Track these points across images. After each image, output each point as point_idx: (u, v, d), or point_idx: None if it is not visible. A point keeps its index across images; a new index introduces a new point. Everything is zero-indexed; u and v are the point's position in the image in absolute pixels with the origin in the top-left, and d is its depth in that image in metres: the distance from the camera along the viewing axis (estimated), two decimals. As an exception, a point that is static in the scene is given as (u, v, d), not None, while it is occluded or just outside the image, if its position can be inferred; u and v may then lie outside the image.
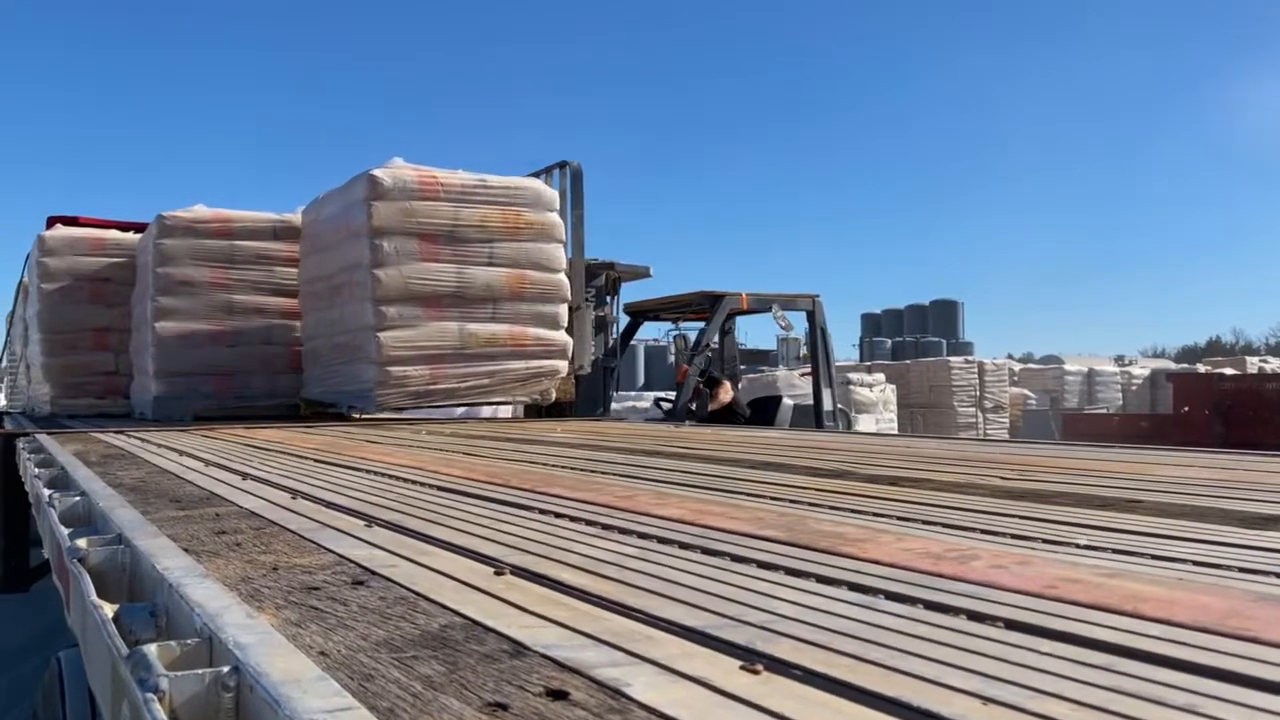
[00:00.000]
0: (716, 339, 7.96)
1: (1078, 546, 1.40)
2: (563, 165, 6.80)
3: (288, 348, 6.73)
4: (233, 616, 0.98)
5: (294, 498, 2.03)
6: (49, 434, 4.56)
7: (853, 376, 16.81)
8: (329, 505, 1.90)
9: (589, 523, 1.64)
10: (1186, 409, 14.12)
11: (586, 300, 7.05)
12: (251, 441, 4.01)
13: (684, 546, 1.40)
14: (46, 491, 2.25)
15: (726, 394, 7.46)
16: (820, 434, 6.14)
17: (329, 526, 1.62)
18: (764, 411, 7.85)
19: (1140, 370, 24.34)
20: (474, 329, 5.82)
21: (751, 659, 0.83)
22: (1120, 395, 22.74)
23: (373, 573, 1.23)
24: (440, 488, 2.22)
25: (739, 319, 8.57)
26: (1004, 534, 1.51)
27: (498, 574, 1.21)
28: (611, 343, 8.02)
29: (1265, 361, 24.56)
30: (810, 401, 7.96)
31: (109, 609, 1.12)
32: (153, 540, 1.45)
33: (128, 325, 7.21)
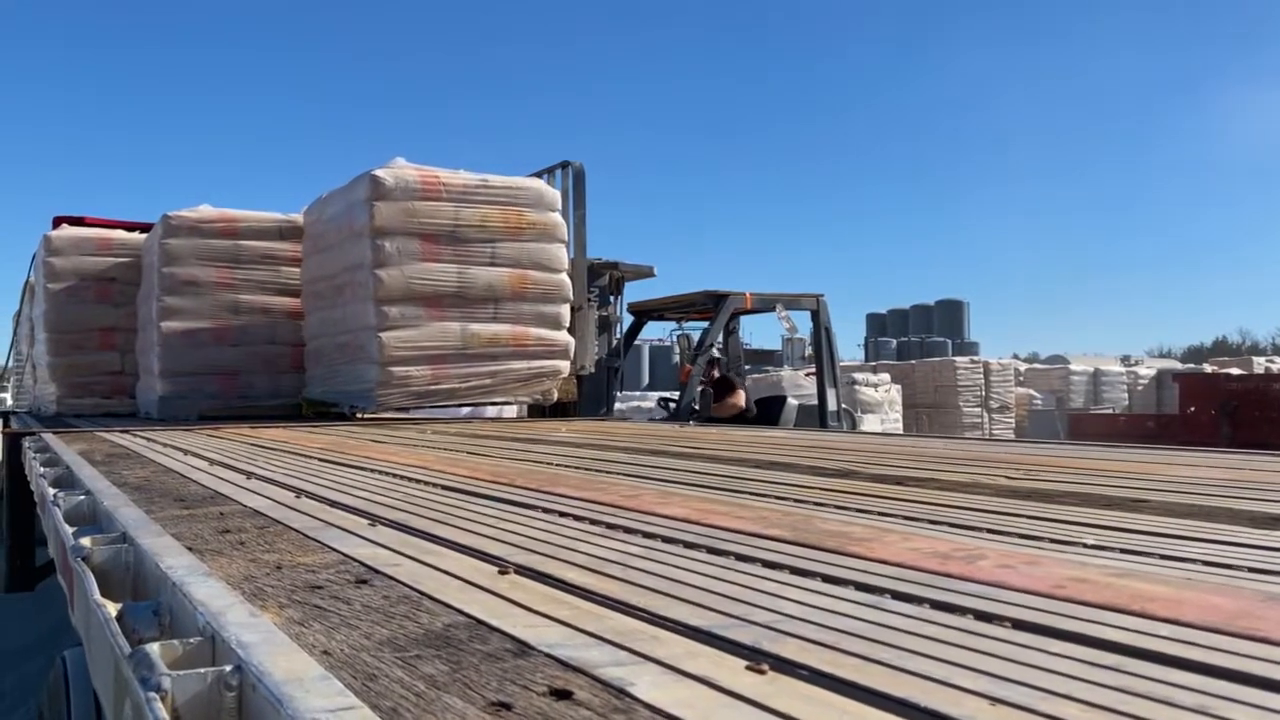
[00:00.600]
0: (721, 339, 7.93)
1: (1085, 546, 1.39)
2: (565, 165, 6.79)
3: (293, 347, 6.73)
4: (236, 615, 0.97)
5: (298, 497, 2.03)
6: (54, 433, 4.57)
7: (858, 376, 16.80)
8: (333, 504, 1.90)
9: (594, 522, 1.63)
10: (1193, 409, 14.07)
11: (589, 300, 7.04)
12: (256, 441, 4.01)
13: (689, 546, 1.39)
14: (51, 490, 2.25)
15: (740, 400, 7.40)
16: (826, 434, 6.13)
17: (333, 525, 1.62)
18: (768, 411, 7.83)
19: (1146, 370, 24.29)
20: (476, 329, 5.82)
21: (757, 659, 0.82)
22: (1126, 395, 22.69)
23: (376, 572, 1.22)
24: (445, 487, 2.22)
25: (744, 319, 8.55)
26: (1011, 534, 1.50)
27: (502, 573, 1.20)
28: (615, 342, 8.00)
29: (1272, 361, 24.47)
30: (815, 401, 7.94)
31: (112, 608, 1.12)
32: (156, 539, 1.45)
33: (133, 325, 7.22)
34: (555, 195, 6.25)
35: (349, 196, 5.84)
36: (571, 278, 6.26)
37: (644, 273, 8.06)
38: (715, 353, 7.54)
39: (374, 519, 1.68)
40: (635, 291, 8.34)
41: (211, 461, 2.93)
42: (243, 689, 0.80)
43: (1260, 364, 23.69)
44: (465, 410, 7.48)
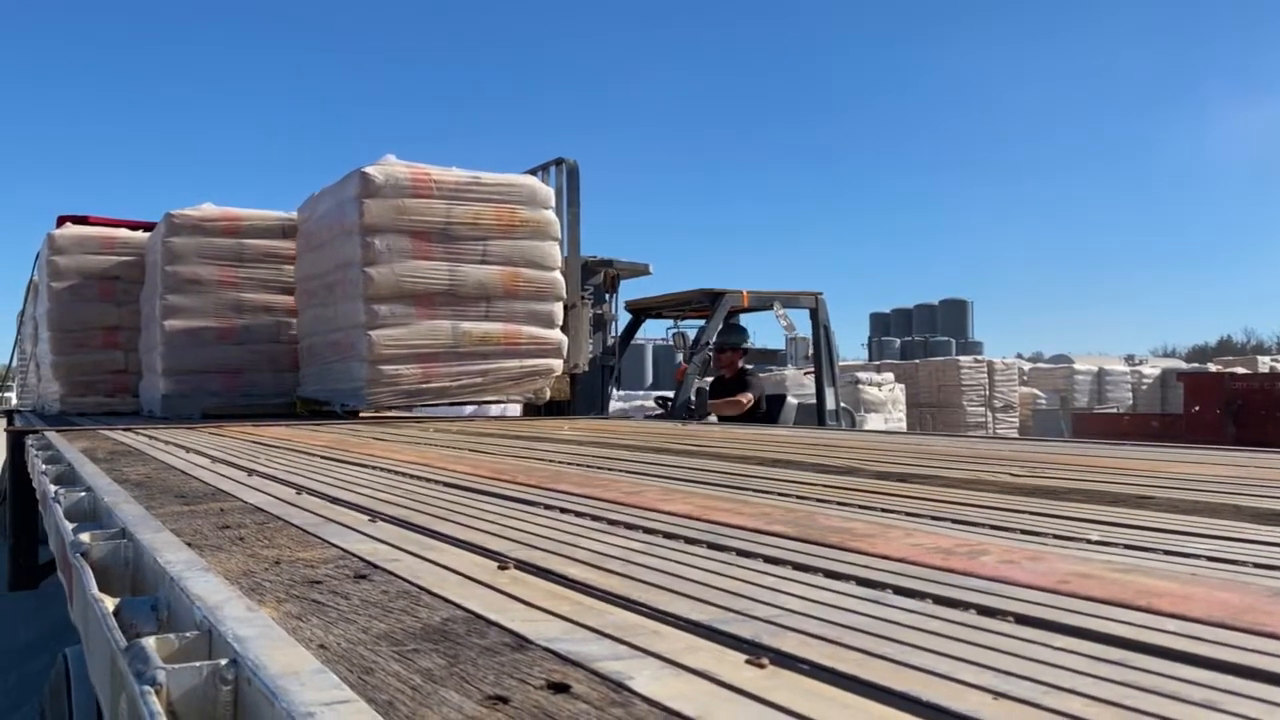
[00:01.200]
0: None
1: (1089, 542, 1.38)
2: (559, 162, 6.76)
3: (295, 346, 6.73)
4: (233, 610, 0.97)
5: (299, 493, 2.02)
6: (57, 431, 4.57)
7: (861, 376, 16.79)
8: (334, 501, 1.89)
9: (595, 518, 1.63)
10: (1197, 408, 14.04)
11: (583, 298, 7.01)
12: (259, 439, 4.01)
13: (690, 542, 1.38)
14: (52, 488, 2.25)
15: (744, 399, 7.35)
16: (829, 431, 6.11)
17: (333, 521, 1.61)
18: (769, 410, 7.81)
19: (1151, 370, 24.25)
20: (467, 327, 5.80)
21: (757, 653, 0.82)
22: (1130, 395, 22.66)
23: (376, 567, 1.22)
24: (446, 484, 2.21)
25: (746, 318, 8.51)
26: (1014, 530, 1.49)
27: (502, 568, 1.20)
28: (610, 341, 7.97)
29: (1277, 361, 24.43)
30: (815, 400, 7.92)
31: (110, 603, 1.11)
32: (155, 535, 1.44)
33: (137, 323, 7.23)
34: (548, 192, 6.22)
35: (339, 194, 5.83)
36: (565, 276, 6.23)
37: (639, 270, 8.03)
38: (708, 350, 7.44)
39: (374, 515, 1.68)
40: (631, 289, 8.32)
41: (213, 459, 2.92)
42: (238, 683, 0.79)
43: (1265, 363, 23.65)
44: (469, 409, 7.47)
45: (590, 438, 4.08)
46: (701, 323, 7.81)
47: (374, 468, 2.63)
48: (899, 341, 32.77)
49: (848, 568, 1.18)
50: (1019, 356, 30.35)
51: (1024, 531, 1.47)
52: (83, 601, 1.22)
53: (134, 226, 7.73)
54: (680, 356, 8.35)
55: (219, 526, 1.57)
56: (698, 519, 1.59)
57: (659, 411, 7.95)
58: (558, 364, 6.24)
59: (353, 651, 0.84)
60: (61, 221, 7.67)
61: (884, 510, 1.72)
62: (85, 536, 1.45)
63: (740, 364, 7.60)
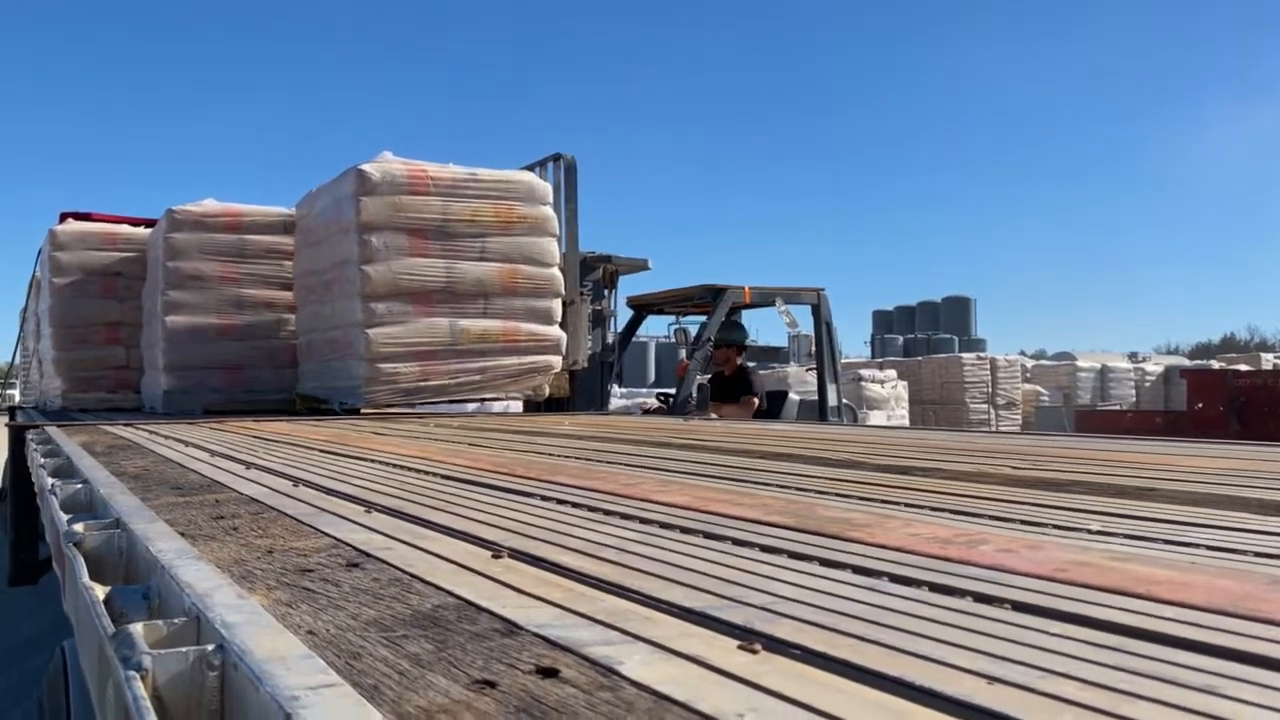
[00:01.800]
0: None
1: (1089, 532, 1.37)
2: (557, 158, 6.74)
3: (296, 342, 6.73)
4: (222, 596, 0.96)
5: (295, 485, 2.01)
6: (58, 426, 4.57)
7: (864, 373, 16.76)
8: (330, 493, 1.89)
9: (591, 509, 1.62)
10: (1200, 405, 14.01)
11: (582, 294, 6.99)
12: (259, 434, 4.00)
13: (686, 531, 1.37)
14: (50, 480, 2.24)
15: (750, 405, 7.31)
16: (829, 427, 6.10)
17: (328, 512, 1.60)
18: (771, 406, 7.80)
19: (1154, 367, 24.21)
20: (465, 325, 5.78)
21: (750, 639, 0.81)
22: (1134, 392, 22.63)
23: (368, 555, 1.21)
24: (444, 476, 2.20)
25: (749, 314, 8.50)
26: (1014, 520, 1.48)
27: (495, 557, 1.19)
28: (610, 337, 7.95)
29: (1281, 358, 24.36)
30: (816, 397, 7.90)
31: (100, 591, 1.10)
32: (149, 524, 1.43)
33: (138, 320, 7.23)
34: (546, 188, 6.20)
35: (336, 191, 5.82)
36: (564, 272, 6.21)
37: (638, 266, 8.01)
38: (708, 346, 7.42)
39: (370, 506, 1.67)
40: (631, 285, 8.29)
41: (212, 453, 2.92)
42: (225, 668, 0.78)
43: (1269, 360, 23.60)
44: (471, 407, 7.45)
45: (590, 433, 4.07)
46: (703, 319, 7.79)
47: (372, 461, 2.62)
48: (902, 339, 32.72)
49: (845, 556, 1.17)
50: (1022, 354, 30.33)
51: (1024, 522, 1.46)
52: (74, 590, 1.21)
53: (136, 223, 7.73)
54: (682, 353, 8.34)
55: (213, 517, 1.56)
56: (695, 510, 1.58)
57: (660, 407, 7.93)
58: (557, 361, 6.22)
59: (341, 637, 0.83)
60: (64, 218, 7.67)
61: (883, 502, 1.71)
62: (79, 526, 1.44)
63: (739, 361, 7.58)
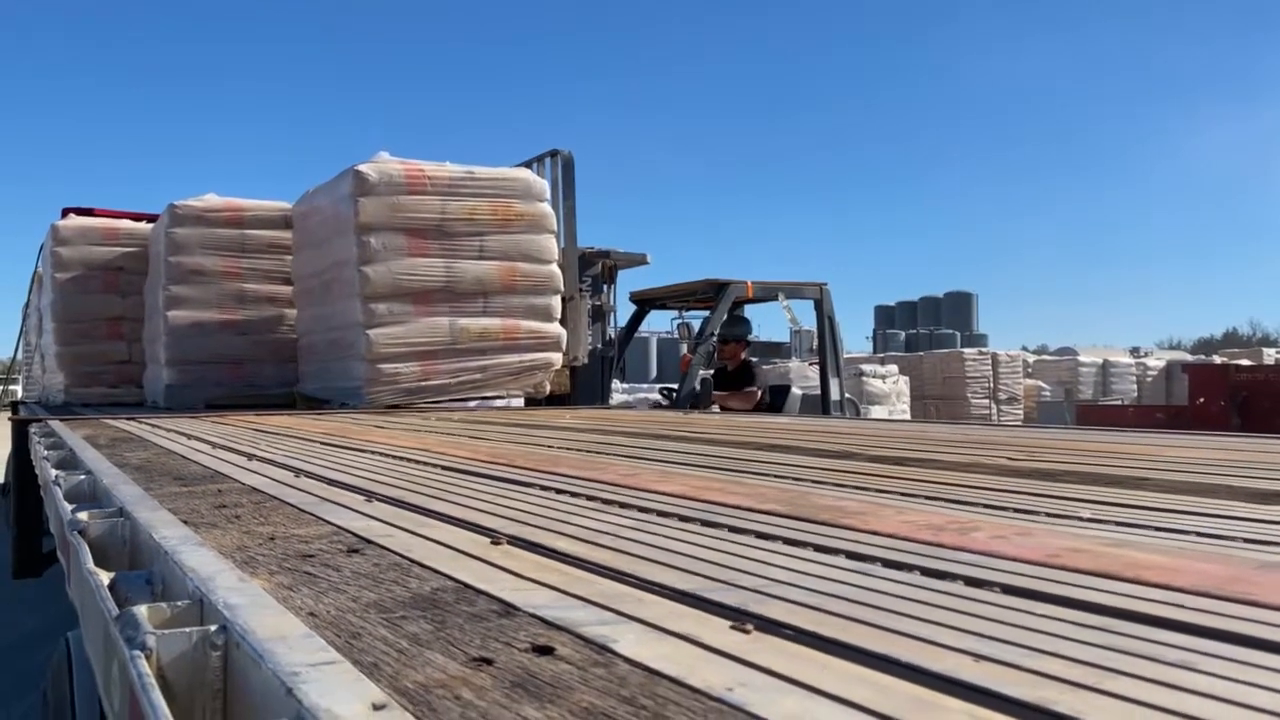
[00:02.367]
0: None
1: (1081, 520, 1.38)
2: (554, 154, 6.74)
3: (298, 340, 6.74)
4: (225, 580, 0.98)
5: (297, 476, 2.03)
6: (61, 420, 4.59)
7: (866, 368, 16.77)
8: (332, 483, 1.90)
9: (590, 498, 1.63)
10: (1202, 400, 14.00)
11: (581, 291, 6.99)
12: (261, 427, 4.02)
13: (683, 519, 1.39)
14: (53, 472, 2.26)
15: (751, 397, 7.31)
16: (827, 420, 6.11)
17: (329, 501, 1.62)
18: (774, 401, 7.80)
19: (1155, 362, 24.20)
20: (465, 324, 5.79)
21: (742, 619, 0.82)
22: (1135, 387, 22.62)
23: (369, 542, 1.22)
24: (445, 467, 2.22)
25: (751, 309, 8.49)
26: (1007, 508, 1.50)
27: (494, 543, 1.20)
28: (609, 332, 7.95)
29: (1282, 353, 24.33)
30: (819, 391, 7.90)
31: (105, 576, 1.12)
32: (153, 513, 1.45)
33: (140, 314, 7.24)
34: (544, 185, 6.21)
35: (333, 192, 5.82)
36: (562, 268, 6.22)
37: (637, 260, 8.00)
38: (711, 341, 7.41)
39: (371, 495, 1.69)
40: (631, 280, 8.29)
41: (214, 445, 2.94)
42: (228, 648, 0.80)
43: (1271, 355, 23.58)
44: (473, 403, 7.47)
45: (589, 426, 4.08)
46: (706, 313, 7.79)
47: (373, 453, 2.64)
48: (904, 334, 32.72)
49: (838, 543, 1.19)
50: (1024, 349, 30.29)
51: (1017, 510, 1.48)
52: (79, 576, 1.23)
53: (137, 218, 7.75)
54: (685, 347, 8.34)
55: (216, 506, 1.58)
56: (692, 499, 1.59)
57: (664, 403, 7.93)
58: (557, 358, 6.24)
59: (342, 619, 0.85)
60: (65, 213, 7.69)
61: (878, 491, 1.72)
62: (83, 515, 1.46)
63: (743, 356, 7.58)
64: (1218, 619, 0.82)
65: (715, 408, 7.04)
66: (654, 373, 21.45)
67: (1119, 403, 20.59)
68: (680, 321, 8.51)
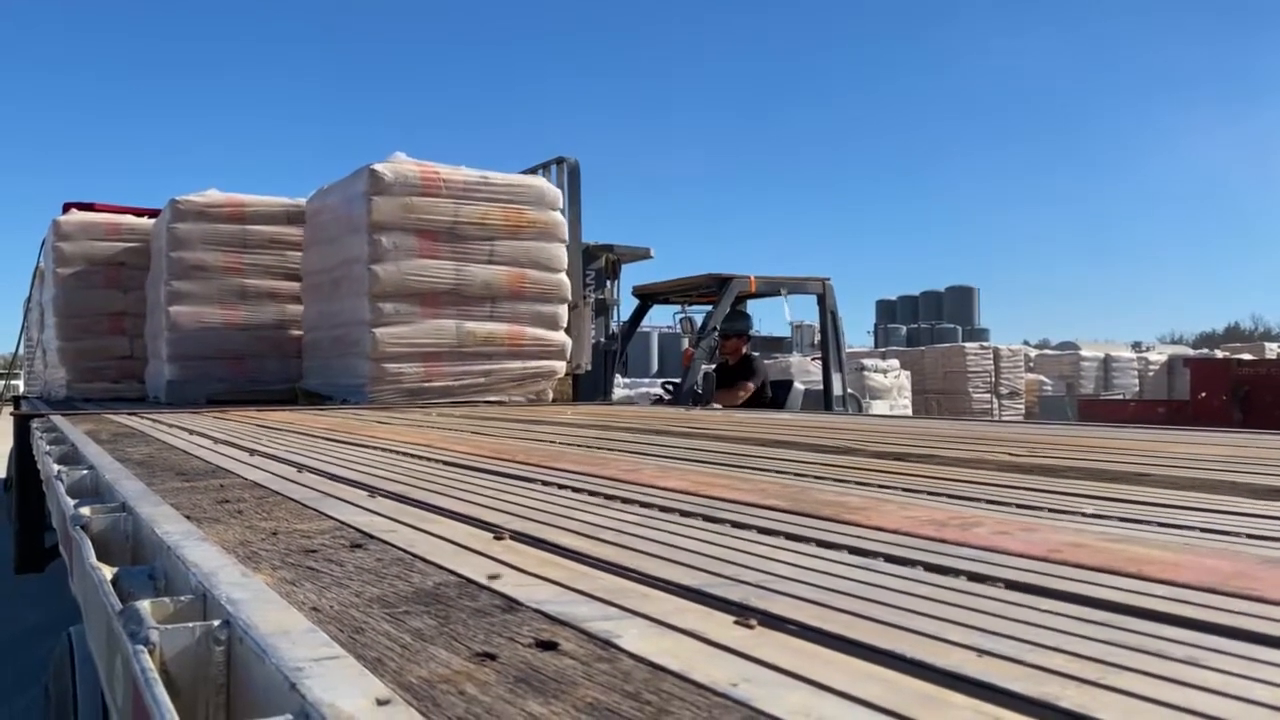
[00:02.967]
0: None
1: (1084, 515, 1.38)
2: (560, 161, 6.74)
3: (300, 333, 6.74)
4: (228, 575, 0.98)
5: (299, 471, 2.03)
6: (63, 415, 4.59)
7: (867, 363, 16.76)
8: (334, 478, 1.90)
9: (592, 493, 1.63)
10: (1204, 394, 13.99)
11: (585, 298, 7.00)
12: (263, 422, 4.02)
13: (685, 514, 1.39)
14: (55, 467, 2.26)
15: (747, 389, 7.29)
16: (829, 415, 6.11)
17: (332, 496, 1.62)
18: (775, 396, 7.79)
19: (1157, 356, 24.17)
20: (471, 327, 5.80)
21: (746, 614, 0.82)
22: (1137, 381, 22.61)
23: (372, 537, 1.22)
24: (447, 463, 2.22)
25: (754, 304, 8.47)
26: (1009, 504, 1.49)
27: (497, 539, 1.20)
28: (612, 327, 7.95)
29: (1285, 348, 24.31)
30: (822, 387, 7.90)
31: (108, 571, 1.12)
32: (155, 508, 1.45)
33: (142, 310, 7.24)
34: (557, 194, 6.21)
35: (347, 190, 5.83)
36: (568, 275, 6.24)
37: (640, 255, 8.00)
38: (714, 336, 7.39)
39: (374, 491, 1.69)
40: (634, 274, 8.30)
41: (216, 440, 2.94)
42: (231, 643, 0.80)
43: (1273, 350, 23.56)
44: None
45: (592, 421, 4.09)
46: (709, 308, 7.78)
47: (376, 448, 2.64)
48: (905, 328, 32.71)
49: (840, 538, 1.18)
50: (1025, 344, 30.27)
51: (1019, 506, 1.48)
52: (81, 571, 1.23)
53: (139, 213, 7.74)
54: (686, 342, 8.33)
55: (218, 501, 1.58)
56: (694, 494, 1.59)
57: (666, 398, 7.93)
58: (561, 366, 6.26)
59: (345, 613, 0.85)
60: (67, 208, 7.69)
61: (879, 486, 1.72)
62: (85, 510, 1.46)
63: (745, 350, 7.57)
64: (1222, 614, 0.82)
65: (716, 405, 7.02)
66: (656, 367, 21.44)
67: (1120, 397, 20.57)
68: (683, 316, 8.51)
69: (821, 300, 7.79)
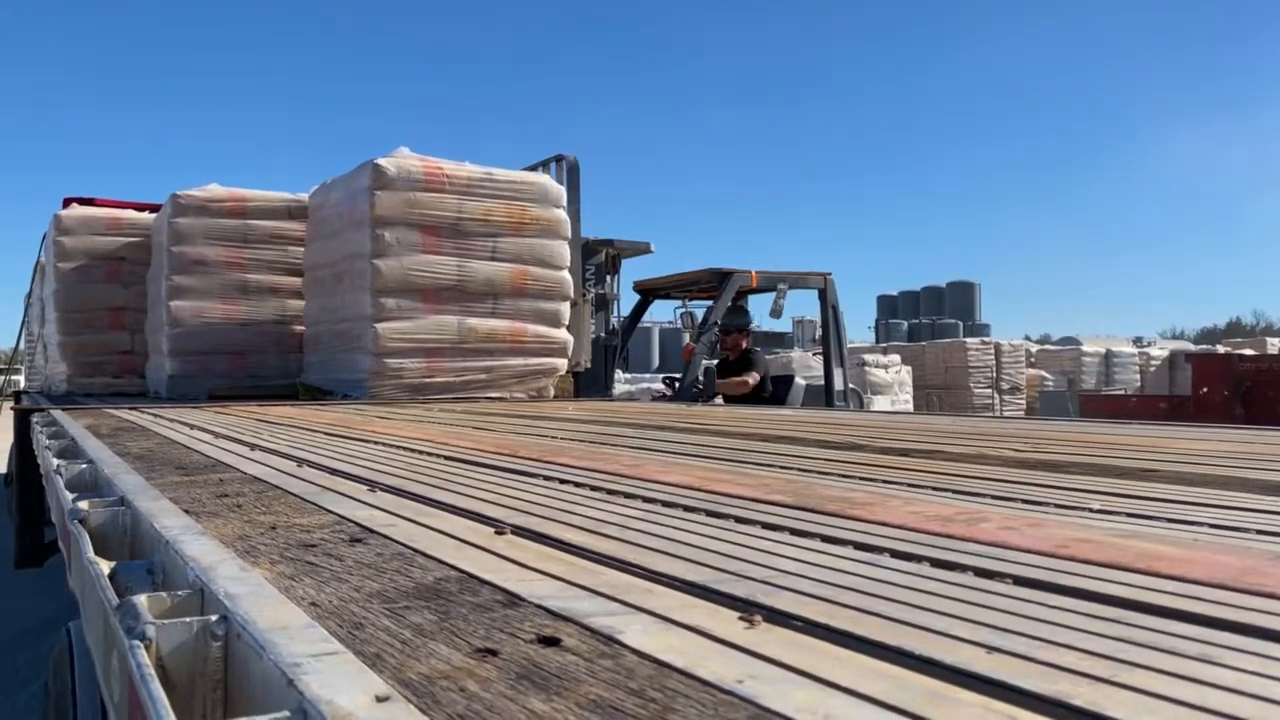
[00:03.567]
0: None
1: (1091, 511, 1.37)
2: (559, 159, 6.74)
3: (301, 328, 6.73)
4: (226, 570, 0.97)
5: (300, 466, 2.02)
6: (63, 409, 4.58)
7: (868, 358, 16.74)
8: (334, 472, 1.89)
9: (594, 488, 1.62)
10: (1205, 390, 13.96)
11: (585, 294, 6.99)
12: (263, 417, 4.01)
13: (689, 510, 1.37)
14: (55, 461, 2.25)
15: (749, 380, 7.27)
16: (832, 411, 6.10)
17: (332, 491, 1.61)
18: (776, 391, 7.77)
19: (1159, 351, 24.12)
20: (473, 323, 5.79)
21: (750, 610, 0.81)
22: (1138, 377, 22.56)
23: (372, 531, 1.21)
24: (448, 457, 2.21)
25: (755, 299, 8.44)
26: (1015, 499, 1.48)
27: (498, 533, 1.19)
28: (612, 321, 7.94)
29: (1286, 343, 24.27)
30: (823, 382, 7.87)
31: (106, 566, 1.11)
32: (154, 502, 1.44)
33: (143, 305, 7.24)
34: (560, 191, 6.20)
35: (351, 184, 5.82)
36: (569, 273, 6.23)
37: (640, 249, 7.99)
38: (715, 331, 7.36)
39: (374, 485, 1.68)
40: (634, 269, 8.27)
41: (216, 434, 2.93)
42: (228, 638, 0.79)
43: (1274, 345, 23.53)
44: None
45: (593, 416, 4.07)
46: (710, 303, 7.75)
47: (376, 443, 2.63)
48: (906, 323, 32.68)
49: (845, 533, 1.17)
50: (1026, 339, 30.26)
51: (1025, 501, 1.47)
52: (79, 566, 1.22)
53: (140, 208, 7.73)
54: (687, 337, 8.31)
55: (217, 495, 1.57)
56: (697, 489, 1.58)
57: (667, 393, 7.91)
58: (562, 363, 6.25)
59: (344, 609, 0.84)
60: (68, 203, 7.68)
61: (884, 482, 1.71)
62: (84, 504, 1.45)
63: (745, 345, 7.55)
64: (1234, 611, 0.81)
65: (719, 399, 7.00)
66: (657, 363, 21.43)
67: (1122, 393, 20.54)
68: (683, 311, 8.49)
69: (823, 295, 7.77)
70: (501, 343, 5.91)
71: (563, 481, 1.72)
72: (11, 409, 5.58)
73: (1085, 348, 23.35)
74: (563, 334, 6.17)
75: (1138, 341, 28.40)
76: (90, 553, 1.16)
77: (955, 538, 1.14)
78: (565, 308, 6.18)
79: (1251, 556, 1.04)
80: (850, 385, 8.07)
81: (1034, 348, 24.64)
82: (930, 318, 33.87)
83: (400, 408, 5.04)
